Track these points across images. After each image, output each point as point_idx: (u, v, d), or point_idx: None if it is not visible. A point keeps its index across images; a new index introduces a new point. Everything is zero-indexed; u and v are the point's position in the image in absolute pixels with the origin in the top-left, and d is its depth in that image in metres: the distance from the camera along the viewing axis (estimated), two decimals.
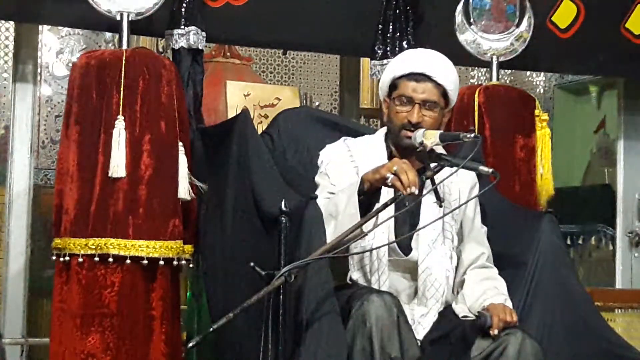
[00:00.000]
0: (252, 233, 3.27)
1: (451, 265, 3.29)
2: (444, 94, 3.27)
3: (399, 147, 3.30)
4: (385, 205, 3.02)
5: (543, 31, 4.40)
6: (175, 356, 3.46)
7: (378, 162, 3.21)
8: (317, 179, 3.34)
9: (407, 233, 3.23)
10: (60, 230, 3.40)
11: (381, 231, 3.16)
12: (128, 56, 3.42)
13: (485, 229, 3.43)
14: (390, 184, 3.01)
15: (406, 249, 3.24)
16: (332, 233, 3.04)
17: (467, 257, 3.35)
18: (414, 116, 3.23)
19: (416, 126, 3.22)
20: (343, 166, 3.30)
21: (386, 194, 3.12)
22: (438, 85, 3.26)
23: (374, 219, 3.02)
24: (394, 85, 3.31)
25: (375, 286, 3.17)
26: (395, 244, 3.21)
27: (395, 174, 2.99)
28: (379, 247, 3.14)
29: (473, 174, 3.32)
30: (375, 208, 3.04)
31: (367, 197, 3.06)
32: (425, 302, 3.21)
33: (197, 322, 4.06)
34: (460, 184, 3.32)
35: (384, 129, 3.39)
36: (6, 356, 4.38)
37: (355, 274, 3.23)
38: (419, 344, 3.06)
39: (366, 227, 3.02)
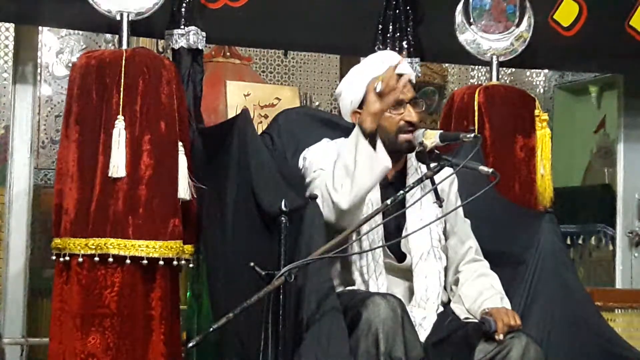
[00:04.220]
0: (252, 233, 3.27)
1: (442, 266, 3.30)
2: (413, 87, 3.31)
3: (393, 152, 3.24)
4: (378, 211, 3.01)
5: (546, 29, 4.39)
6: (175, 356, 3.46)
7: None
8: (314, 175, 3.26)
9: (393, 235, 3.22)
10: (60, 230, 3.40)
11: (376, 233, 3.17)
12: (128, 56, 3.42)
13: (469, 221, 3.41)
14: (383, 89, 3.04)
15: (397, 252, 3.24)
16: (349, 191, 3.03)
17: (456, 252, 3.35)
18: (413, 116, 3.22)
19: (415, 125, 3.21)
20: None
21: (377, 192, 3.11)
22: (410, 80, 3.25)
23: (366, 225, 3.01)
24: None
25: (374, 289, 3.16)
26: (387, 250, 3.20)
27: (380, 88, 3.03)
28: (371, 250, 3.14)
29: (448, 169, 3.22)
30: (368, 213, 3.03)
31: (369, 142, 3.06)
32: (424, 305, 3.21)
33: (197, 322, 4.06)
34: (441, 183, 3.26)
35: None
36: (6, 356, 4.38)
37: (353, 276, 3.22)
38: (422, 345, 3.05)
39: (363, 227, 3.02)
